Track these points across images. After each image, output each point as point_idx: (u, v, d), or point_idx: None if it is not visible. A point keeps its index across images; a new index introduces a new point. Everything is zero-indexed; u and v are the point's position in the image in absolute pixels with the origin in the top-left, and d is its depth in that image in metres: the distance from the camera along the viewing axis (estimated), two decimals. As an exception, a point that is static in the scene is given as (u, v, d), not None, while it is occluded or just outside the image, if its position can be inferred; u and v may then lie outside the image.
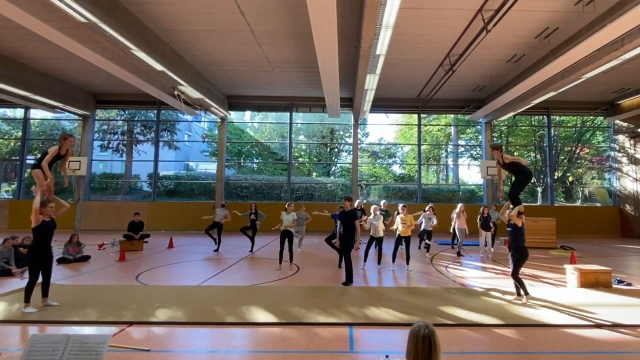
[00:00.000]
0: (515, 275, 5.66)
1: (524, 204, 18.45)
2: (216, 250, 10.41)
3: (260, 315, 4.81)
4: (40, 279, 5.06)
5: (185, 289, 6.26)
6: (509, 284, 6.74)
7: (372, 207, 8.34)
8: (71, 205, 16.15)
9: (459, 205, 10.19)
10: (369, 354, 3.75)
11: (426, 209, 10.30)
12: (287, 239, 8.03)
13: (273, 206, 15.89)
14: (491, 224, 10.08)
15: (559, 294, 6.14)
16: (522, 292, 5.64)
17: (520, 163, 6.04)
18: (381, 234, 8.15)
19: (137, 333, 4.25)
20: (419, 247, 10.68)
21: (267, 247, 11.37)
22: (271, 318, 4.69)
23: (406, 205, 8.41)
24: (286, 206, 8.15)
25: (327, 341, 4.04)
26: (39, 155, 5.48)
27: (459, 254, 9.99)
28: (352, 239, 6.85)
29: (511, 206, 6.06)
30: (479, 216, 10.15)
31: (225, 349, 3.88)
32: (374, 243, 8.31)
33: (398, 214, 8.30)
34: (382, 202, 10.51)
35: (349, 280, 6.65)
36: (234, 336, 4.22)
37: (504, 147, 18.54)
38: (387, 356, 2.32)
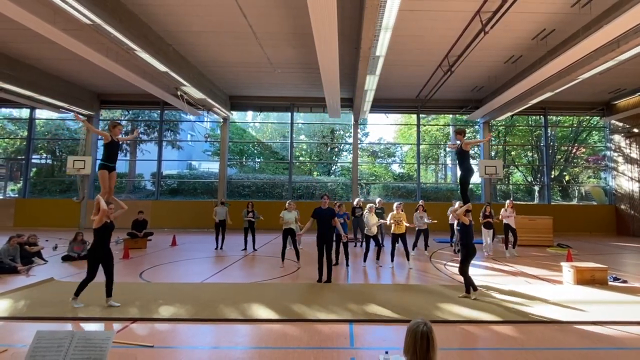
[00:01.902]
0: (463, 271, 5.71)
1: (522, 202, 18.40)
2: (219, 248, 10.51)
3: (262, 312, 4.86)
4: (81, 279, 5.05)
5: (188, 286, 6.32)
6: (507, 282, 6.88)
7: (368, 205, 8.40)
8: (75, 203, 16.31)
9: (457, 203, 10.22)
10: (369, 350, 3.77)
11: (417, 208, 10.23)
12: (289, 237, 8.19)
13: (274, 205, 16.04)
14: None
15: (556, 291, 6.21)
16: (470, 289, 5.71)
17: (467, 161, 6.01)
18: (374, 231, 8.20)
19: (141, 329, 4.30)
20: (414, 247, 10.13)
21: (269, 245, 11.48)
22: (272, 315, 4.75)
23: (401, 204, 8.31)
24: (287, 205, 8.29)
25: (328, 337, 4.08)
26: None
27: (459, 252, 10.06)
28: (332, 236, 6.82)
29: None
30: (481, 214, 10.13)
31: (227, 345, 3.91)
32: (370, 241, 8.35)
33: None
34: (377, 199, 10.61)
35: (328, 278, 6.67)
36: (236, 332, 4.26)
37: (500, 145, 18.81)
38: (386, 352, 2.41)
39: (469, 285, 5.70)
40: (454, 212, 5.87)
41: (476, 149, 19.02)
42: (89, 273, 5.00)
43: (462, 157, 5.98)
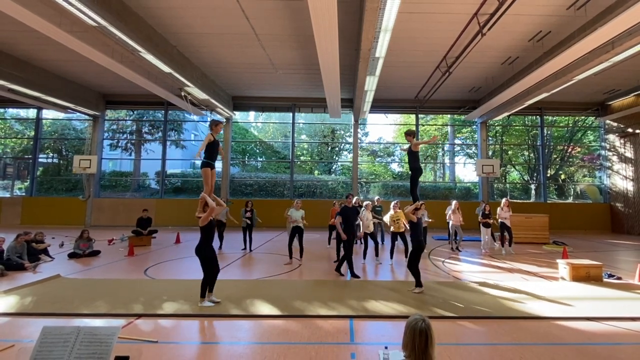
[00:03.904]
0: (411, 266, 5.86)
1: (518, 201, 18.58)
2: (219, 248, 10.66)
3: (264, 308, 4.93)
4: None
5: (191, 282, 6.26)
6: (503, 278, 7.01)
7: (365, 203, 8.48)
8: (81, 202, 16.48)
9: (454, 202, 10.42)
10: (369, 346, 3.83)
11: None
12: (297, 234, 8.39)
13: (276, 203, 16.31)
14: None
15: (552, 287, 6.29)
16: (420, 284, 5.85)
17: (416, 161, 6.18)
18: (372, 228, 8.34)
19: (145, 325, 4.36)
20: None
21: (270, 243, 11.62)
22: (274, 311, 4.81)
23: (398, 203, 8.45)
24: (294, 203, 8.49)
25: (329, 333, 4.13)
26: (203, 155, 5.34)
27: (457, 249, 10.26)
28: (354, 232, 7.20)
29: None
30: (480, 213, 10.28)
31: (230, 340, 3.97)
32: (369, 238, 8.48)
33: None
34: (376, 197, 10.77)
35: (352, 272, 7.00)
36: (238, 328, 4.32)
37: (497, 145, 18.98)
38: (386, 347, 2.49)
39: (417, 279, 5.87)
40: (407, 212, 6.04)
41: (473, 148, 19.28)
42: (205, 272, 5.05)
43: (412, 157, 6.19)
